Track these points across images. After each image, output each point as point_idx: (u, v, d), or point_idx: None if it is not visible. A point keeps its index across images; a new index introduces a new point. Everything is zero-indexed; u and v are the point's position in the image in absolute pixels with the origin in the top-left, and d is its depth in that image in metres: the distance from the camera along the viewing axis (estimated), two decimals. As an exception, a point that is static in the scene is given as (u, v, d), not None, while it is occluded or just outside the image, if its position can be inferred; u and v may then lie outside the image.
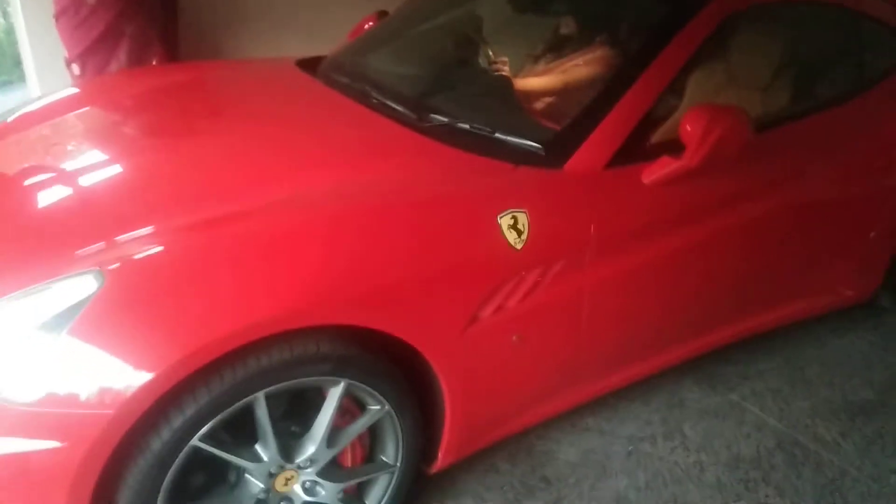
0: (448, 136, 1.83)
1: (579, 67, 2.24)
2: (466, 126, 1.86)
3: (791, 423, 2.18)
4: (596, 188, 1.73)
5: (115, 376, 1.22)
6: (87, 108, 2.14)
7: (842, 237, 2.35)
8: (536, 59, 2.54)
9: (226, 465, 1.46)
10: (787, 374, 2.40)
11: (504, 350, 1.66)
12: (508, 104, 2.15)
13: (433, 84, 2.26)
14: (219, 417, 1.33)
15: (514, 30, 2.83)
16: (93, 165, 1.74)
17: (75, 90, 2.45)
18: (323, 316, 1.39)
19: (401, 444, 1.62)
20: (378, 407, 1.54)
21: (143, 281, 1.30)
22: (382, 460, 1.64)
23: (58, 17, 3.13)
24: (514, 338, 1.65)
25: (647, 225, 1.80)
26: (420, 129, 1.87)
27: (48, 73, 3.41)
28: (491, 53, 2.61)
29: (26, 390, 1.22)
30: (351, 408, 1.57)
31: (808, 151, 2.16)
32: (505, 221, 1.57)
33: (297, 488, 1.52)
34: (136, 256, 1.33)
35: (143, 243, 1.37)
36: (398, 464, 1.64)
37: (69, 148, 1.87)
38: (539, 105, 2.22)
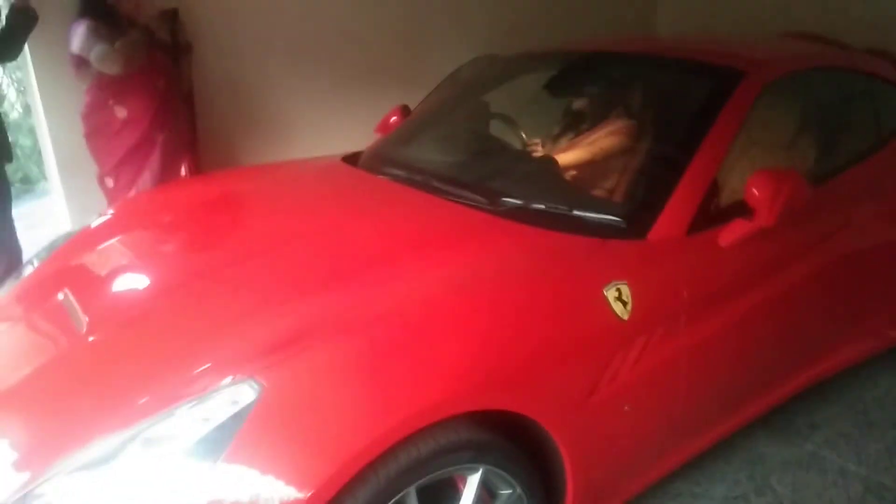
0: (525, 216, 1.91)
1: (603, 139, 2.36)
2: (542, 206, 1.94)
3: (870, 466, 2.22)
4: (681, 254, 1.81)
5: (282, 487, 1.22)
6: (158, 226, 2.18)
7: (885, 282, 2.46)
8: (558, 137, 2.66)
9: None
10: (851, 418, 2.46)
11: (617, 419, 1.68)
12: (560, 181, 2.25)
13: (484, 168, 2.36)
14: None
15: (533, 111, 2.99)
16: (204, 276, 1.76)
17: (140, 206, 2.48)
18: (464, 404, 1.41)
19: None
20: (510, 491, 1.55)
21: (296, 390, 1.31)
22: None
23: (88, 135, 3.20)
24: (625, 407, 1.68)
25: (729, 285, 1.88)
26: (495, 212, 1.94)
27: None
28: (524, 135, 2.75)
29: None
30: (483, 495, 1.56)
31: (845, 203, 2.29)
32: (611, 294, 1.63)
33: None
34: (285, 366, 1.34)
35: (287, 352, 1.38)
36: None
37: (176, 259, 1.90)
38: (577, 177, 2.31)
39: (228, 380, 1.34)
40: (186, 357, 1.46)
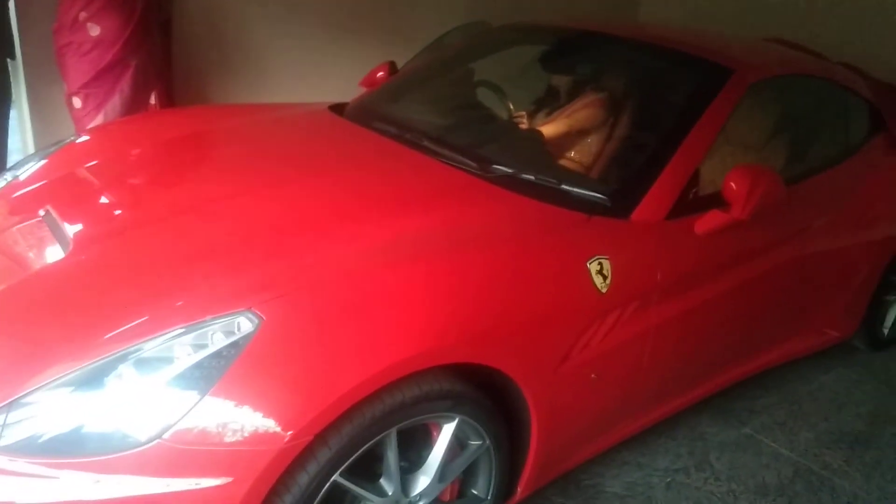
0: (515, 185, 1.96)
1: (578, 111, 2.43)
2: (532, 177, 2.00)
3: (801, 452, 2.39)
4: (659, 237, 1.90)
5: (276, 417, 1.26)
6: (142, 151, 2.15)
7: (833, 284, 2.62)
8: (538, 111, 2.72)
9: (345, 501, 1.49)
10: (787, 408, 2.63)
11: (583, 385, 1.77)
12: (549, 155, 2.31)
13: (474, 133, 2.41)
14: (358, 453, 1.38)
15: (520, 82, 3.03)
16: (193, 209, 1.76)
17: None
18: (448, 355, 1.47)
19: (493, 478, 1.69)
20: (479, 442, 1.62)
21: (293, 327, 1.35)
22: (474, 494, 1.70)
23: (59, 50, 3.09)
24: (592, 375, 1.77)
25: (698, 272, 1.98)
26: (485, 178, 1.99)
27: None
28: (511, 107, 2.80)
29: (196, 430, 1.23)
30: (452, 445, 1.63)
31: (808, 208, 2.42)
32: (593, 267, 1.70)
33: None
34: (284, 302, 1.37)
35: (282, 288, 1.41)
36: (489, 498, 1.71)
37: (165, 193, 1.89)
38: (563, 153, 2.37)
39: (227, 310, 1.35)
40: (182, 283, 1.47)
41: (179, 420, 1.25)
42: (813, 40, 3.25)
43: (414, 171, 2.05)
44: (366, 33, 4.20)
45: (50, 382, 1.30)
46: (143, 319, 1.37)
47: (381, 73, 2.98)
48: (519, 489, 1.79)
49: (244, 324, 1.32)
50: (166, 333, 1.33)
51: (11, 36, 2.93)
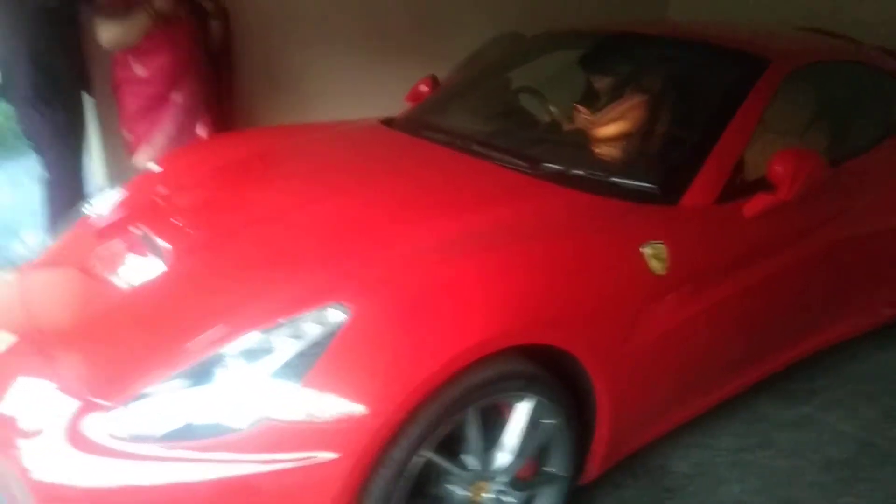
0: (566, 181, 2.07)
1: (624, 114, 2.52)
2: (581, 171, 2.10)
3: (863, 428, 2.43)
4: (710, 221, 1.98)
5: (371, 397, 1.39)
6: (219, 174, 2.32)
7: (884, 263, 2.66)
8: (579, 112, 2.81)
9: (429, 480, 1.60)
10: (845, 387, 2.66)
11: (645, 366, 1.86)
12: (589, 152, 2.41)
13: (521, 136, 2.56)
14: (443, 429, 1.49)
15: (558, 87, 3.13)
16: (276, 219, 1.91)
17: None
18: (518, 338, 1.58)
19: (566, 456, 1.78)
20: (552, 421, 1.72)
21: (378, 317, 1.47)
22: (549, 471, 1.80)
23: (114, 86, 3.30)
24: (653, 357, 1.86)
25: (749, 254, 2.06)
26: (537, 175, 2.11)
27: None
28: (553, 109, 2.90)
29: (300, 411, 1.36)
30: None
31: (853, 189, 2.47)
32: (647, 251, 1.80)
33: (489, 497, 1.66)
34: (369, 295, 1.50)
35: (365, 282, 1.54)
36: (562, 475, 1.80)
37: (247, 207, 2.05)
38: (607, 149, 2.47)
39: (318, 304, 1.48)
40: (273, 283, 1.61)
41: (284, 403, 1.38)
42: (847, 26, 3.30)
43: (469, 174, 2.18)
44: (404, 54, 4.37)
45: (168, 378, 1.44)
46: (244, 317, 1.51)
47: (424, 87, 3.12)
48: (590, 467, 1.88)
49: (334, 315, 1.45)
50: (266, 328, 1.46)
51: (88, 70, 3.14)
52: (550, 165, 2.15)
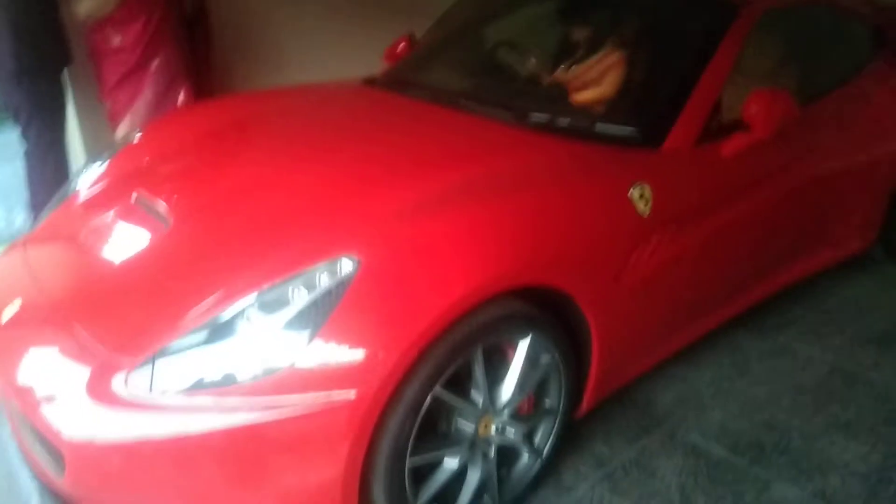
0: (551, 130, 2.15)
1: (605, 71, 2.59)
2: (567, 120, 2.18)
3: (834, 354, 2.59)
4: (691, 162, 2.08)
5: (384, 339, 1.47)
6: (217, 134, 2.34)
7: (849, 197, 2.79)
8: (559, 65, 2.87)
9: (440, 416, 1.69)
10: (816, 318, 2.82)
11: (635, 302, 1.97)
12: (570, 102, 2.48)
13: (506, 89, 2.61)
14: (452, 368, 1.58)
15: (535, 40, 3.18)
16: (270, 180, 1.96)
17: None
18: (517, 279, 1.66)
19: (563, 390, 1.89)
20: (550, 357, 1.82)
21: (388, 262, 1.55)
22: (546, 407, 1.91)
23: (89, 55, 3.27)
24: (641, 293, 1.96)
25: (729, 192, 2.16)
26: (525, 126, 2.18)
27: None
28: (534, 61, 2.95)
29: (319, 354, 1.44)
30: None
31: (821, 127, 2.58)
32: (635, 193, 1.89)
33: (493, 431, 1.77)
34: (375, 245, 1.57)
35: (370, 234, 1.61)
36: (559, 408, 1.91)
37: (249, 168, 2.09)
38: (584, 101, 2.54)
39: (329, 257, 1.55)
40: (282, 238, 1.67)
41: (305, 347, 1.45)
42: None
43: (456, 127, 2.24)
44: (382, 9, 4.36)
45: (186, 334, 1.51)
46: (256, 272, 1.57)
47: (402, 45, 3.14)
48: (584, 401, 2.00)
49: (346, 265, 1.52)
50: (280, 280, 1.52)
51: (68, 42, 3.11)
52: (535, 116, 2.22)
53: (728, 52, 2.25)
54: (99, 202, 2.11)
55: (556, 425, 1.93)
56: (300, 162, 2.08)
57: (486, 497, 1.80)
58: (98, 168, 2.30)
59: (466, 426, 1.72)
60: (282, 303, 1.50)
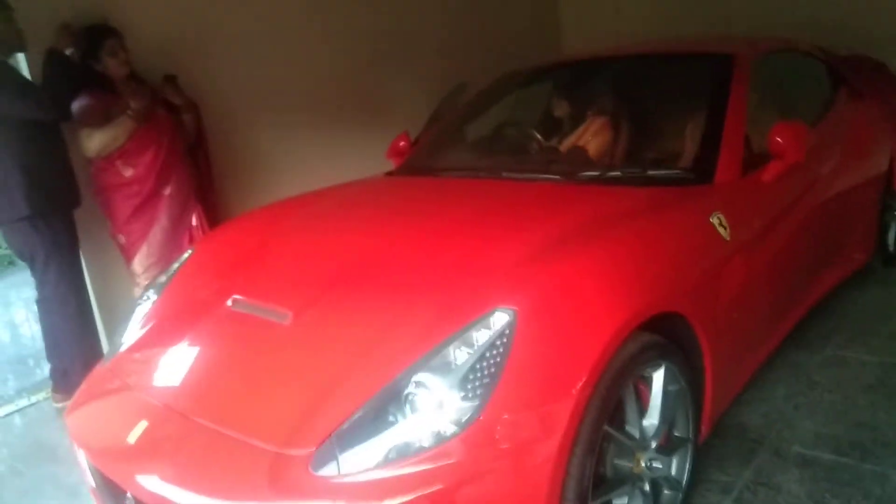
0: (607, 181, 2.31)
1: (590, 139, 2.85)
2: (617, 173, 2.35)
3: (880, 354, 2.76)
4: (744, 190, 2.26)
5: (558, 384, 1.52)
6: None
7: (853, 215, 3.07)
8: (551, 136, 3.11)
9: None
10: (850, 326, 3.03)
11: (731, 320, 2.08)
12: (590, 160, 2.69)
13: (531, 157, 2.81)
14: (612, 404, 1.63)
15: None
16: (370, 264, 1.99)
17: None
18: (655, 307, 1.74)
19: (691, 418, 1.95)
20: (678, 387, 1.89)
21: (542, 310, 1.60)
22: (678, 437, 1.95)
23: (98, 193, 3.27)
24: (735, 312, 2.09)
25: (776, 212, 2.36)
26: (579, 182, 2.34)
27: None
28: (539, 136, 3.16)
29: (500, 406, 1.47)
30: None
31: (823, 152, 2.84)
32: (715, 220, 2.05)
33: (645, 466, 1.79)
34: (521, 294, 1.63)
35: (519, 280, 1.68)
36: (690, 436, 1.96)
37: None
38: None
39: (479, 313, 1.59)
40: (424, 306, 1.70)
41: (482, 405, 1.46)
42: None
43: (520, 192, 2.37)
44: (357, 119, 4.59)
45: (361, 409, 1.50)
46: (411, 340, 1.59)
47: (402, 143, 3.29)
48: (703, 427, 2.05)
49: (500, 318, 1.56)
50: (439, 344, 1.55)
51: (77, 182, 3.09)
52: (585, 173, 2.38)
53: (739, 92, 2.50)
54: (189, 318, 2.07)
55: (689, 455, 1.97)
56: (394, 235, 2.12)
57: (646, 535, 1.81)
58: (157, 295, 2.27)
59: (624, 464, 1.74)
60: (446, 366, 1.52)
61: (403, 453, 1.45)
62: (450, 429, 1.46)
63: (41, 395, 3.39)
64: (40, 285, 3.06)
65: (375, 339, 1.67)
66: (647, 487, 1.80)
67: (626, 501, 1.74)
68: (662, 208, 2.07)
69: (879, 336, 2.91)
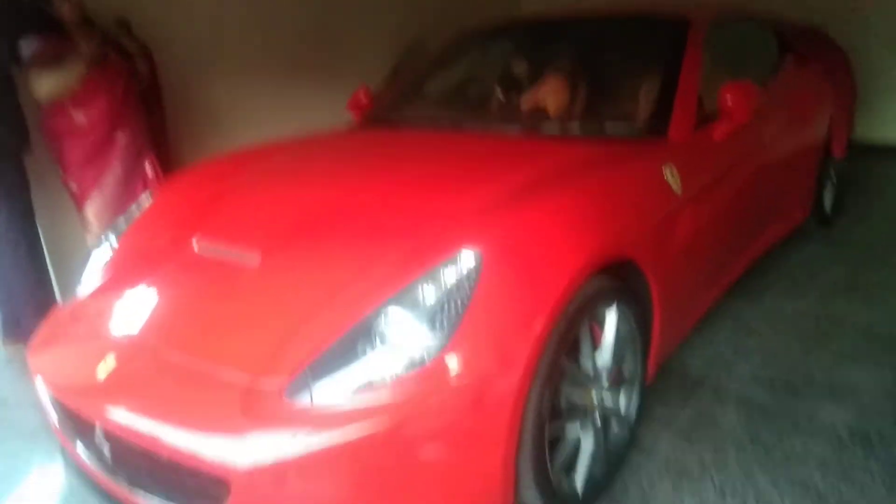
0: (567, 135, 2.39)
1: (547, 95, 2.93)
2: (576, 126, 2.43)
3: (815, 306, 2.97)
4: (695, 146, 2.37)
5: (523, 317, 1.60)
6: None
7: (794, 175, 3.23)
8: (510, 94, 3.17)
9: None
10: (786, 281, 3.24)
11: (679, 268, 2.20)
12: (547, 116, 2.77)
13: (494, 111, 2.85)
14: (570, 340, 1.72)
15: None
16: (335, 208, 2.04)
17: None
18: (612, 252, 1.84)
19: (639, 359, 2.08)
20: (628, 328, 2.00)
21: (504, 253, 1.67)
22: (626, 375, 2.07)
23: (48, 138, 3.19)
24: (682, 260, 2.21)
25: (722, 171, 2.48)
26: (539, 136, 2.41)
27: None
28: (499, 90, 3.21)
29: (468, 336, 1.55)
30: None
31: (769, 114, 2.97)
32: (668, 173, 2.15)
33: (597, 401, 1.91)
34: (485, 238, 1.69)
35: (485, 223, 1.74)
36: (638, 375, 2.09)
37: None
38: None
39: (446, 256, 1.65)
40: (393, 246, 1.76)
41: (449, 339, 1.54)
42: None
43: (481, 144, 2.43)
44: (311, 73, 4.55)
45: (334, 342, 1.56)
46: (380, 280, 1.65)
47: (363, 96, 3.29)
48: (650, 368, 2.18)
49: (468, 259, 1.63)
50: (409, 283, 1.61)
51: (27, 129, 3.01)
52: (546, 126, 2.46)
53: (694, 54, 2.60)
54: (153, 261, 2.07)
55: (636, 393, 2.10)
56: (361, 184, 2.16)
57: (596, 466, 1.93)
58: (116, 238, 2.26)
59: (577, 398, 1.85)
60: (415, 303, 1.58)
61: (373, 384, 1.51)
62: (417, 361, 1.52)
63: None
64: None
65: (346, 279, 1.72)
66: (598, 422, 1.92)
67: (579, 435, 1.85)
68: (619, 160, 2.16)
69: (815, 290, 3.11)
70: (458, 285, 1.60)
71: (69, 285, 3.19)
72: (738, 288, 3.03)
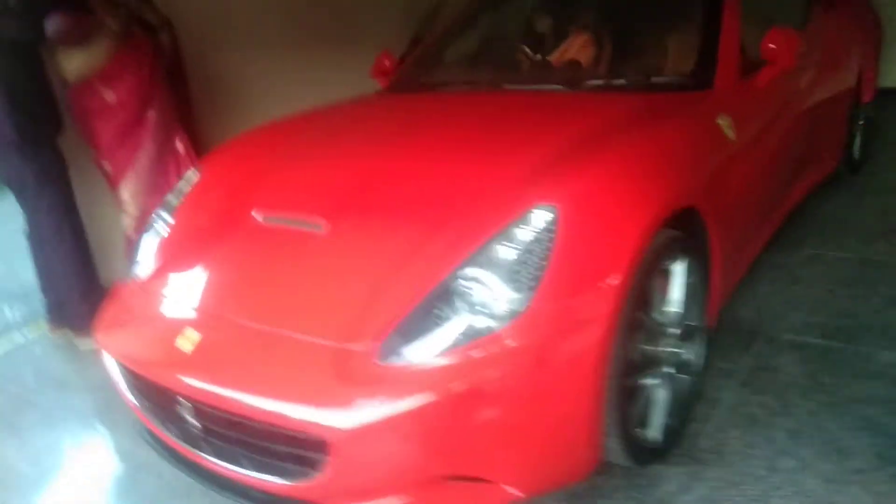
0: (613, 89, 2.38)
1: (574, 52, 2.90)
2: (622, 81, 2.42)
3: (854, 252, 2.99)
4: (743, 94, 2.36)
5: (605, 269, 1.61)
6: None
7: (827, 122, 3.23)
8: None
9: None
10: (825, 228, 3.27)
11: (735, 215, 2.20)
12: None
13: (529, 69, 2.84)
14: (644, 292, 1.74)
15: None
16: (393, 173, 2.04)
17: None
18: (679, 202, 1.84)
19: (703, 307, 2.09)
20: (692, 278, 2.01)
21: (579, 206, 1.67)
22: (691, 325, 2.09)
23: (79, 118, 3.16)
24: (739, 204, 2.21)
25: (770, 114, 2.49)
26: (585, 90, 2.40)
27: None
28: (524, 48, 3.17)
29: (550, 292, 1.56)
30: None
31: (805, 62, 2.96)
32: (723, 123, 2.14)
33: (669, 351, 1.93)
34: (559, 192, 1.69)
35: (546, 185, 1.74)
36: (701, 325, 2.11)
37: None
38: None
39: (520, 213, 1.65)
40: (459, 209, 1.75)
41: (533, 293, 1.54)
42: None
43: (526, 102, 2.42)
44: (330, 41, 4.51)
45: (418, 304, 1.57)
46: (455, 242, 1.65)
47: (387, 62, 3.26)
48: (710, 319, 2.20)
49: (542, 216, 1.62)
50: (483, 243, 1.61)
51: (60, 111, 2.98)
52: (589, 81, 2.44)
53: (734, 3, 2.57)
54: (214, 235, 2.06)
55: (702, 343, 2.11)
56: (411, 149, 2.16)
57: (670, 417, 1.96)
58: (170, 215, 2.25)
59: (651, 350, 1.87)
60: (493, 261, 1.58)
61: (462, 343, 1.52)
62: (504, 318, 1.53)
63: (38, 330, 3.33)
64: (32, 215, 2.97)
65: (417, 243, 1.72)
66: (672, 371, 1.94)
67: (654, 386, 1.87)
68: (670, 111, 2.15)
69: (851, 236, 3.12)
70: (536, 243, 1.60)
71: (109, 266, 3.22)
72: (778, 239, 3.04)
